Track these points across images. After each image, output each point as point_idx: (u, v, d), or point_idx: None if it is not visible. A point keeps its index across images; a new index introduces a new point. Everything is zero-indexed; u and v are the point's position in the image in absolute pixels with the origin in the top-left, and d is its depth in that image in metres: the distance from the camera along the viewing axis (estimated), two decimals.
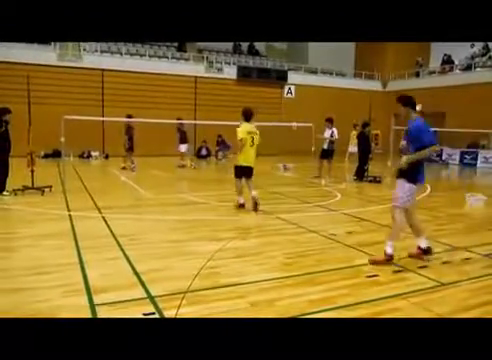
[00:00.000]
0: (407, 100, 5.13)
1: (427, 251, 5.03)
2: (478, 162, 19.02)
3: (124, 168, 14.03)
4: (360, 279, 4.30)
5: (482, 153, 19.18)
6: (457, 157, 19.93)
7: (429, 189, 11.26)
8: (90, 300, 3.62)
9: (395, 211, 4.97)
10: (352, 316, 3.39)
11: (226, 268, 4.56)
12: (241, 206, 7.79)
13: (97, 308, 3.47)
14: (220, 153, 18.82)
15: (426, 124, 4.94)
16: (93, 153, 18.90)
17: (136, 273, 4.31)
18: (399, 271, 4.59)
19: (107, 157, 18.84)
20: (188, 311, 3.45)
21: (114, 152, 18.38)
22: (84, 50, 19.28)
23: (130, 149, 14.01)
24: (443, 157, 20.56)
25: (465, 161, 19.53)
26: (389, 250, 4.85)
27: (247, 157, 7.61)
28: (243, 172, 7.69)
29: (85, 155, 18.62)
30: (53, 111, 17.44)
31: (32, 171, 8.92)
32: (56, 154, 17.84)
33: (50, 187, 9.16)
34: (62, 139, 9.41)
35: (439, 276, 4.45)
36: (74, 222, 6.45)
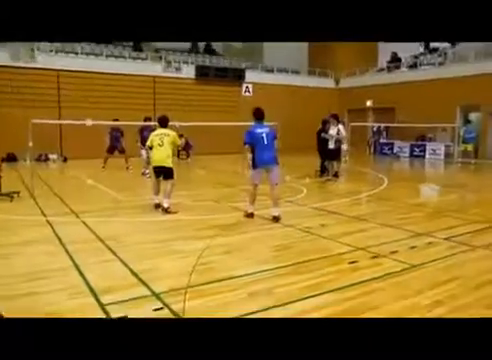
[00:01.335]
0: None
1: (276, 217, 6.93)
2: (426, 154, 20.25)
3: (127, 168, 14.46)
4: (343, 265, 4.75)
5: (430, 145, 20.43)
6: (407, 150, 21.12)
7: (386, 181, 12.01)
8: (98, 301, 3.81)
9: (251, 186, 7.15)
10: (345, 297, 3.82)
11: (218, 264, 4.86)
12: (156, 206, 7.97)
13: (107, 308, 3.67)
14: (183, 153, 18.91)
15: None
16: (51, 156, 18.49)
17: (134, 273, 4.52)
18: (375, 257, 5.06)
19: (65, 160, 18.48)
20: (194, 304, 3.72)
21: (73, 155, 18.10)
22: (38, 50, 18.76)
23: (108, 150, 14.63)
24: (394, 150, 21.71)
25: (415, 153, 20.74)
26: (250, 210, 7.17)
27: (155, 157, 7.85)
28: (157, 172, 7.94)
29: (42, 158, 18.16)
30: (7, 114, 16.98)
31: None
32: (11, 158, 17.36)
33: (18, 193, 9.04)
34: (30, 144, 9.29)
35: (409, 259, 4.96)
36: (55, 228, 6.49)
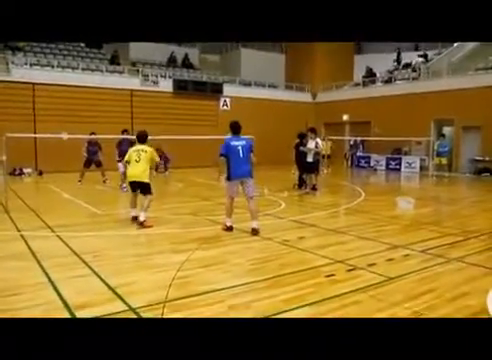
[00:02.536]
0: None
1: (255, 230, 6.96)
2: (402, 167, 20.65)
3: (104, 181, 14.33)
4: (320, 279, 4.76)
5: (405, 159, 20.85)
6: (384, 163, 21.48)
7: (364, 194, 12.18)
8: (73, 316, 3.73)
9: (226, 199, 7.29)
10: (324, 310, 3.83)
11: (196, 277, 4.83)
12: (133, 219, 7.90)
13: None
14: (161, 166, 18.78)
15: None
16: (25, 170, 18.10)
17: (110, 288, 4.45)
18: (352, 269, 5.11)
19: (41, 174, 18.14)
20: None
21: (49, 168, 17.80)
22: (12, 63, 18.51)
23: (85, 164, 14.41)
24: (371, 163, 22.06)
25: (391, 166, 21.12)
26: (228, 223, 7.19)
27: (131, 173, 7.80)
28: (133, 187, 7.90)
29: (17, 172, 17.77)
30: None
31: None
32: None
33: None
34: (4, 157, 9.10)
35: (386, 271, 5.02)
36: (29, 242, 6.34)
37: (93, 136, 14.19)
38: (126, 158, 7.93)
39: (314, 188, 12.43)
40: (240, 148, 6.95)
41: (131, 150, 7.97)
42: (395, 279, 4.76)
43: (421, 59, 23.74)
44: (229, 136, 7.29)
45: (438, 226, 7.88)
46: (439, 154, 17.62)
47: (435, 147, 17.91)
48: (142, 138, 8.06)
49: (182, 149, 19.04)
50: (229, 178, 7.06)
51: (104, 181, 14.33)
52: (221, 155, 7.03)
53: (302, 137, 12.89)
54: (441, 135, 18.60)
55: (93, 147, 14.34)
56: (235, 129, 7.21)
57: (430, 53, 24.30)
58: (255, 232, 6.92)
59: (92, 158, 14.36)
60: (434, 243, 6.46)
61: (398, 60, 25.73)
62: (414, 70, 23.33)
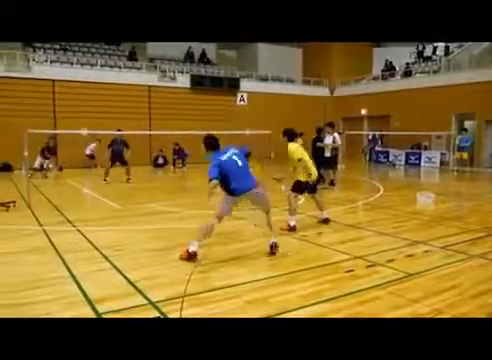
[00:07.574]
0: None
1: None
2: (422, 162, 20.33)
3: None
4: (340, 274, 4.74)
5: (425, 153, 20.53)
6: (403, 158, 21.18)
7: (382, 189, 12.04)
8: (94, 310, 3.79)
9: None
10: (343, 306, 3.82)
11: (215, 272, 4.85)
12: (326, 221, 7.51)
13: (104, 316, 3.65)
14: (178, 161, 18.90)
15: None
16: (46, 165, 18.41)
17: (130, 282, 4.50)
18: (371, 265, 5.06)
19: (61, 169, 18.42)
20: (191, 313, 3.70)
21: (69, 164, 18.08)
22: (33, 60, 18.83)
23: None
24: (390, 158, 21.77)
25: (410, 161, 20.81)
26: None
27: (314, 171, 7.14)
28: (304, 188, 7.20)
29: (38, 168, 18.07)
30: (2, 123, 17.00)
31: None
32: (6, 168, 17.31)
33: (14, 202, 8.99)
34: (25, 153, 9.27)
35: (406, 268, 4.96)
36: (51, 237, 6.46)
37: (119, 132, 13.54)
38: (299, 156, 6.89)
39: (332, 183, 12.34)
40: None
41: (300, 147, 7.06)
42: (415, 275, 4.70)
43: (441, 44, 23.06)
44: None
45: (459, 222, 7.74)
46: (460, 148, 17.27)
47: (456, 141, 17.57)
48: (295, 136, 7.14)
49: (199, 145, 19.10)
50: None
51: (128, 180, 13.72)
52: None
53: (320, 131, 12.82)
54: (463, 129, 18.21)
55: (118, 146, 13.62)
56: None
57: (451, 46, 23.81)
58: None
59: (116, 158, 13.63)
60: (455, 239, 6.35)
61: (422, 53, 25.03)
62: (436, 63, 22.78)
